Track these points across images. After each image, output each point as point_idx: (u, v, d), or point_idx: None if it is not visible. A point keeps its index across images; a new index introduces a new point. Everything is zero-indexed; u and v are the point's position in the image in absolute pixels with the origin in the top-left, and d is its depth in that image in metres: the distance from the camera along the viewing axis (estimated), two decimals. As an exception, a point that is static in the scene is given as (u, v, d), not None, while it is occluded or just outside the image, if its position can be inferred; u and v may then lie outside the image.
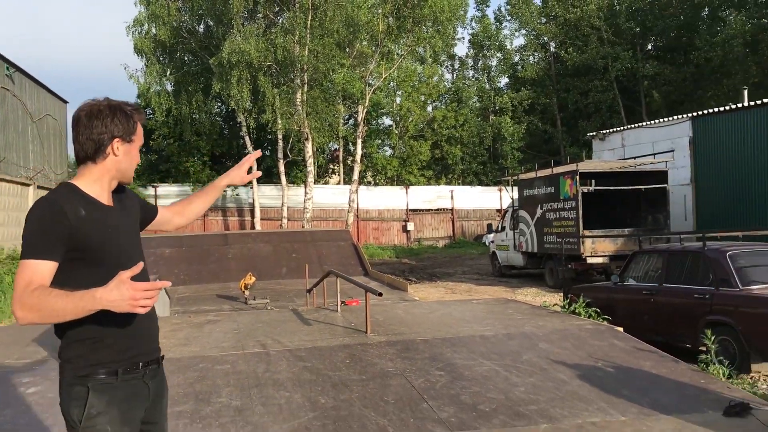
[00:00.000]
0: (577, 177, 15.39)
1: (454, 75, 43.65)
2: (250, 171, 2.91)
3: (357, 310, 9.03)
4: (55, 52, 78.27)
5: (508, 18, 41.75)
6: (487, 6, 49.85)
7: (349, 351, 6.45)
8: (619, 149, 21.50)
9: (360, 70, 27.42)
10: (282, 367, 5.92)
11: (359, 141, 27.41)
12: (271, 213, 29.20)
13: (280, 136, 26.98)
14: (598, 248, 15.39)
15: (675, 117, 20.17)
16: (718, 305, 7.45)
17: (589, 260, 15.45)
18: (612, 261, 15.23)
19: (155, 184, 29.47)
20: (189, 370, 5.81)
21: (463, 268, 22.09)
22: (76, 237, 2.13)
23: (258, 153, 3.13)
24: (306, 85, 24.87)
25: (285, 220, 27.54)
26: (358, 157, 27.49)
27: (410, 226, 31.60)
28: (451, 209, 32.76)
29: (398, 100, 37.19)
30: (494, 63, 42.41)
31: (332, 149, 37.08)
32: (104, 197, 2.29)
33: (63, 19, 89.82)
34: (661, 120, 20.89)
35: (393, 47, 27.11)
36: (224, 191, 29.81)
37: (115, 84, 66.69)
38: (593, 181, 15.73)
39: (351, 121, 35.77)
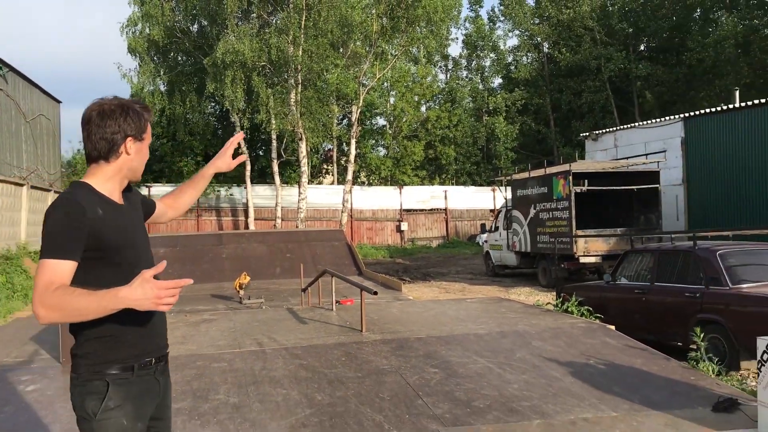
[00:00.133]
0: (570, 177, 15.49)
1: (448, 75, 43.77)
2: (236, 157, 2.85)
3: (352, 309, 9.09)
4: (48, 52, 77.96)
5: (502, 18, 41.87)
6: (481, 6, 50.16)
7: (344, 349, 6.51)
8: (612, 149, 21.63)
9: (354, 71, 27.49)
10: (278, 365, 5.98)
11: (353, 141, 27.45)
12: (264, 213, 29.21)
13: (274, 136, 26.99)
14: (590, 248, 15.50)
15: (667, 117, 20.31)
16: (708, 304, 7.55)
17: (582, 260, 15.55)
18: (604, 260, 15.33)
19: (149, 184, 29.41)
20: (186, 368, 5.87)
21: (456, 268, 22.17)
22: (95, 237, 2.15)
23: (241, 135, 3.07)
24: (300, 86, 24.90)
25: (279, 220, 27.55)
26: (351, 157, 27.53)
27: (404, 226, 31.66)
28: (445, 209, 32.84)
29: (392, 100, 37.25)
30: (488, 63, 42.54)
31: (326, 149, 37.12)
32: (116, 196, 2.32)
33: (55, 18, 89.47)
34: (654, 120, 21.03)
35: (387, 47, 27.18)
36: (218, 191, 29.98)
37: (108, 84, 66.50)
38: (586, 181, 15.85)
39: (345, 121, 35.81)
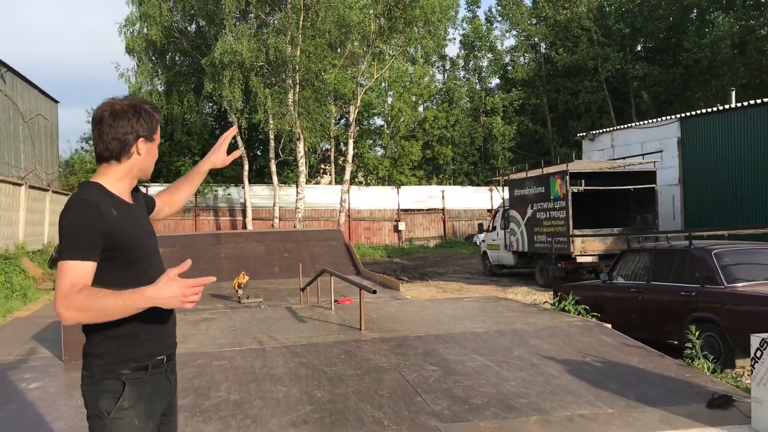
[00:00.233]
0: (567, 177, 15.56)
1: (445, 75, 43.79)
2: (230, 152, 2.84)
3: (351, 308, 9.14)
4: (46, 52, 77.81)
5: (499, 19, 41.95)
6: (478, 7, 50.12)
7: (343, 347, 6.57)
8: (609, 149, 21.70)
9: (351, 71, 27.52)
10: (278, 363, 6.03)
11: (351, 141, 27.50)
12: (262, 213, 29.23)
13: (271, 136, 27.03)
14: (587, 247, 15.57)
15: (664, 118, 20.39)
16: (703, 302, 7.62)
17: (579, 259, 15.62)
18: (601, 260, 15.40)
19: (146, 184, 29.40)
20: (187, 366, 5.92)
21: (454, 268, 22.23)
22: (110, 237, 2.16)
23: (234, 129, 3.05)
24: (298, 86, 24.94)
25: (276, 220, 27.57)
26: (349, 157, 27.57)
27: (401, 226, 31.70)
28: (443, 209, 32.89)
29: (389, 100, 37.28)
30: (485, 64, 42.59)
31: (324, 149, 37.14)
32: (126, 195, 2.34)
33: (53, 18, 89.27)
34: (650, 121, 21.11)
35: (384, 48, 27.21)
36: (216, 191, 29.95)
37: (105, 84, 66.43)
38: (583, 181, 15.93)
39: (342, 121, 35.85)
